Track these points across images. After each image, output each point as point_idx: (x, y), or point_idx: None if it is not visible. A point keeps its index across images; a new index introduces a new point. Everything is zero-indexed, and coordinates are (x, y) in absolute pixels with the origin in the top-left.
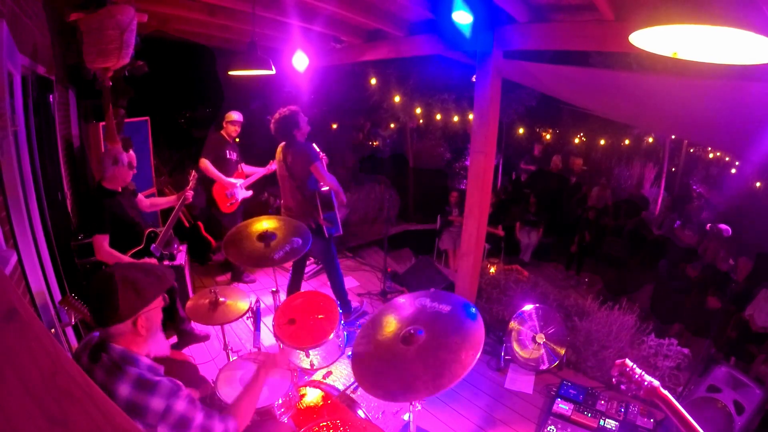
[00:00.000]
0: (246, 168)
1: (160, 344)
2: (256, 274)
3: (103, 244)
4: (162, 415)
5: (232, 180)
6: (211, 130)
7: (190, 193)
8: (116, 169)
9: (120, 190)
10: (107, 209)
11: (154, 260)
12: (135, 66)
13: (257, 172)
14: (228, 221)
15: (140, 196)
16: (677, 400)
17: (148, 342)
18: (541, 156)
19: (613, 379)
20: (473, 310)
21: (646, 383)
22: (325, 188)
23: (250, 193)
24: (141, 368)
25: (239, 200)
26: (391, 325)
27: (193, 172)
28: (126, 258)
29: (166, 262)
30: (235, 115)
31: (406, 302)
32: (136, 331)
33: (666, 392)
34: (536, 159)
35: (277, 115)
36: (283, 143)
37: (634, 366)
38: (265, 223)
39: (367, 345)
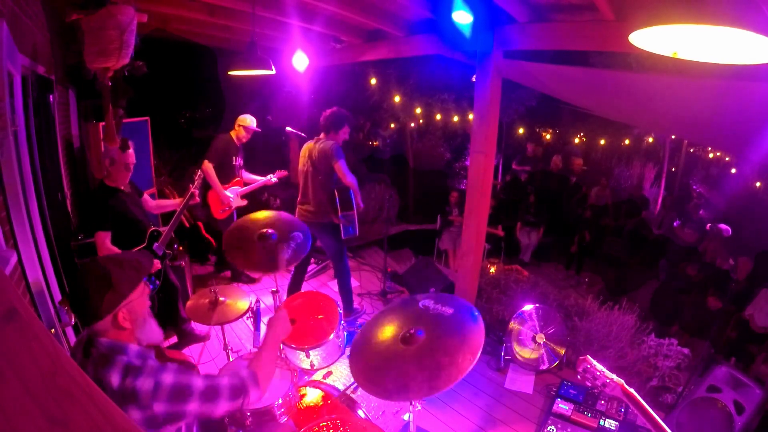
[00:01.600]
0: (246, 176)
1: (151, 332)
2: (252, 272)
3: (104, 241)
4: (153, 393)
5: (228, 194)
6: (219, 132)
7: (196, 192)
8: (113, 170)
9: (122, 188)
10: (110, 207)
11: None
12: (134, 66)
13: (256, 181)
14: (223, 225)
15: (146, 196)
16: (677, 400)
17: (135, 332)
18: (533, 156)
19: (578, 376)
20: (475, 313)
21: (608, 380)
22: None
23: (244, 202)
24: (129, 356)
25: (233, 208)
26: (392, 324)
27: (199, 172)
28: None
29: (168, 262)
30: (249, 120)
31: (408, 303)
32: (118, 324)
33: (631, 390)
34: (529, 159)
35: (332, 110)
36: (311, 141)
37: (596, 363)
38: (259, 221)
39: (367, 342)
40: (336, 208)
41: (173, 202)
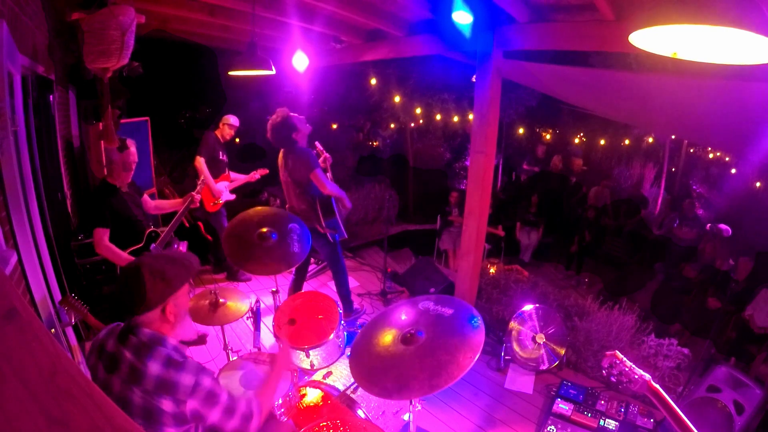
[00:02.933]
0: (231, 174)
1: (187, 329)
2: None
3: (102, 238)
4: (192, 390)
5: (220, 188)
6: (208, 130)
7: (197, 197)
8: (113, 169)
9: (122, 187)
10: (109, 204)
11: None
12: (131, 67)
13: (240, 178)
14: (213, 219)
15: (145, 196)
16: (677, 400)
17: (176, 328)
18: (544, 157)
19: (603, 371)
20: (477, 320)
21: (636, 376)
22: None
23: (233, 196)
24: (168, 348)
25: (223, 201)
26: (391, 325)
27: (202, 178)
28: (124, 254)
29: None
30: (232, 119)
31: (408, 304)
32: (165, 318)
33: (657, 386)
34: (539, 160)
35: (270, 124)
36: (283, 149)
37: (624, 358)
38: (255, 222)
39: (367, 343)
40: (318, 217)
41: (172, 204)
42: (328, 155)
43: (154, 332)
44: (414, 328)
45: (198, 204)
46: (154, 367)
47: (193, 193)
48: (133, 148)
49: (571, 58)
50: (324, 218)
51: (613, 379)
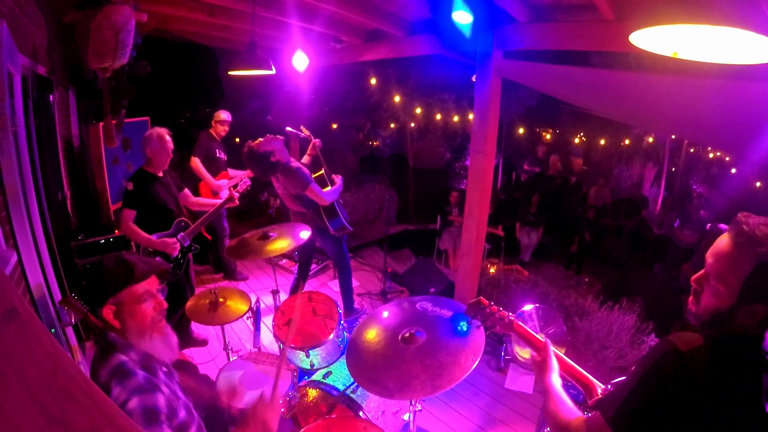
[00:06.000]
0: (230, 171)
1: (155, 348)
2: (252, 273)
3: (126, 218)
4: (120, 406)
5: (219, 182)
6: (202, 130)
7: (236, 195)
8: (152, 156)
9: (161, 174)
10: (143, 191)
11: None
12: (139, 65)
13: (239, 175)
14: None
15: (186, 191)
16: None
17: (130, 337)
18: (544, 157)
19: (470, 318)
20: (464, 326)
21: (507, 318)
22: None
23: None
24: (129, 356)
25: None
26: (389, 322)
27: (247, 180)
28: (144, 235)
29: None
30: (223, 115)
31: (406, 305)
32: (104, 318)
33: (521, 323)
34: (540, 160)
35: (252, 152)
36: None
37: (492, 303)
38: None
39: (365, 341)
40: (323, 219)
41: (212, 202)
42: (317, 140)
43: (116, 337)
44: (413, 328)
45: (238, 202)
46: (103, 373)
47: (233, 191)
48: (168, 137)
49: (571, 58)
50: (329, 222)
51: (478, 324)
